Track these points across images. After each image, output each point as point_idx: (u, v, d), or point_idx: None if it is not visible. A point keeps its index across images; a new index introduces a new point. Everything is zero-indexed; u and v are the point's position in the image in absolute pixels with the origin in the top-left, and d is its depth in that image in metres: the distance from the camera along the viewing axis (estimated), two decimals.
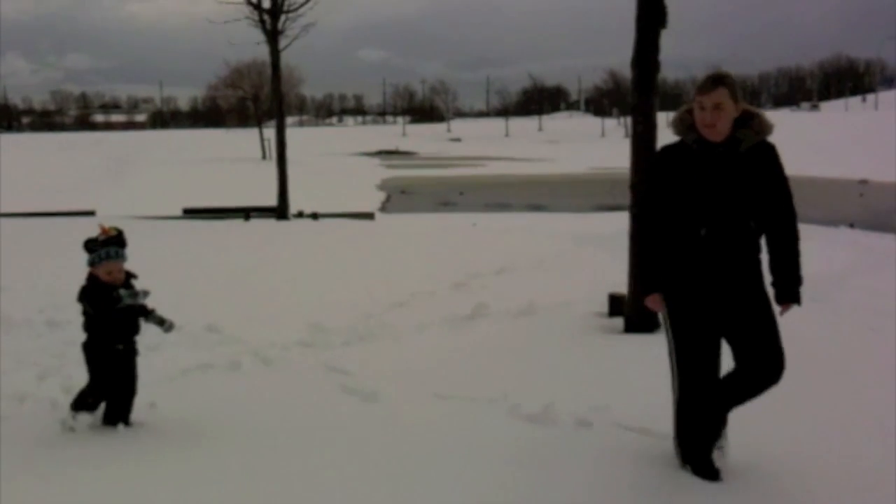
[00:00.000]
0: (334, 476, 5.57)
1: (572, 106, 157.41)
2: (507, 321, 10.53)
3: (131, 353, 6.71)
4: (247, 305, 11.36)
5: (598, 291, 11.70)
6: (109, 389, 6.59)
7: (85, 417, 6.53)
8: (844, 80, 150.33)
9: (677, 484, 5.53)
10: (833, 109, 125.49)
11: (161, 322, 6.79)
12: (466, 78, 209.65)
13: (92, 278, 6.54)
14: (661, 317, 5.56)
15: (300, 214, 28.08)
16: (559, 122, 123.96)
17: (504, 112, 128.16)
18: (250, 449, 6.09)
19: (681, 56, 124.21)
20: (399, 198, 45.88)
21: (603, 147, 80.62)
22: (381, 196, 46.01)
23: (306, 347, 9.26)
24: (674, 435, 5.72)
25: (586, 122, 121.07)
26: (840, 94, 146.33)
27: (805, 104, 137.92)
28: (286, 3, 27.51)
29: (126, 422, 6.62)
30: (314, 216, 27.70)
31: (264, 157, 66.52)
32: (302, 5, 27.80)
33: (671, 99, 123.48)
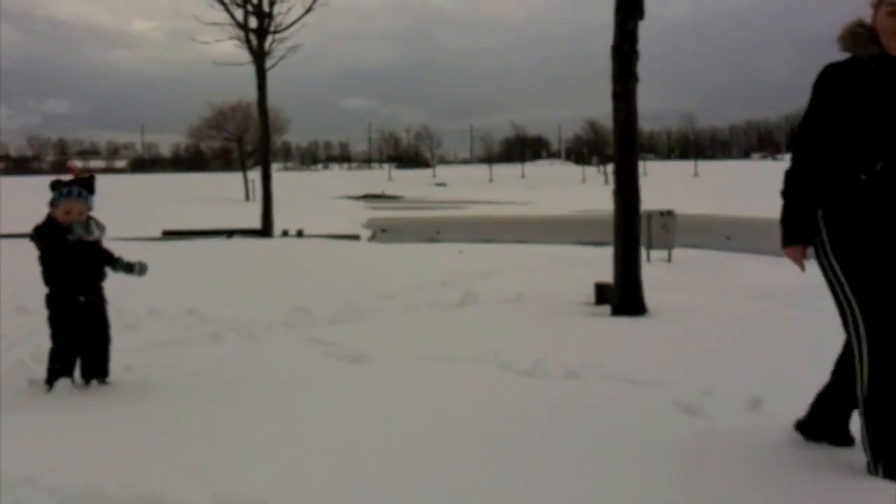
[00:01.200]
0: (322, 427, 5.30)
1: (553, 154, 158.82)
2: (496, 307, 10.47)
3: (98, 301, 6.40)
4: (228, 294, 11.23)
5: (584, 288, 11.71)
6: (74, 345, 6.25)
7: (63, 381, 6.14)
8: None
9: (669, 430, 5.46)
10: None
11: (129, 267, 6.51)
12: (450, 127, 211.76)
13: (49, 219, 6.24)
14: (834, 284, 4.46)
15: (285, 234, 27.81)
16: (541, 169, 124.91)
17: (487, 159, 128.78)
18: (234, 403, 5.83)
19: (654, 109, 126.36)
20: (385, 234, 45.86)
21: (584, 192, 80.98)
22: (367, 234, 45.93)
23: (290, 326, 9.13)
24: (862, 433, 4.44)
25: (567, 170, 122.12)
26: None
27: (768, 155, 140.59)
28: (273, 23, 27.62)
29: (103, 375, 6.35)
30: (299, 233, 27.50)
31: (247, 198, 66.08)
32: (288, 27, 27.98)
33: (647, 148, 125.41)
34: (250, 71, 27.83)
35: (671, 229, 19.74)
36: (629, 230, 10.34)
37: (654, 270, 14.75)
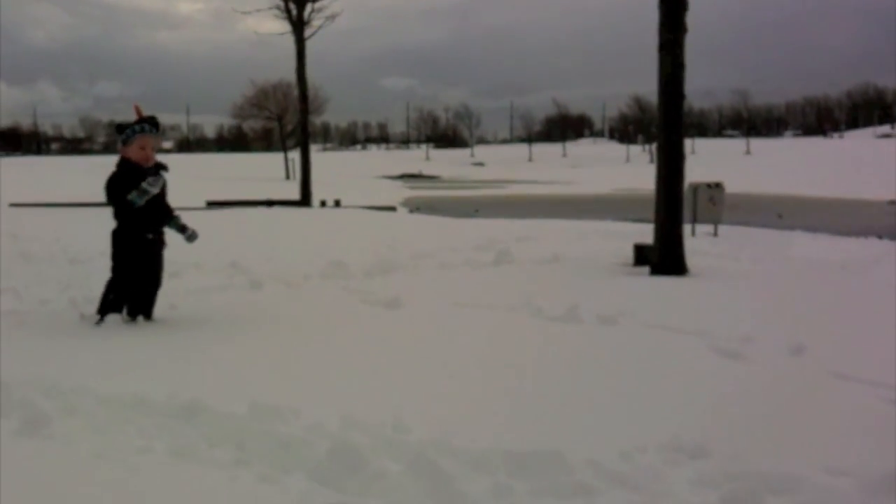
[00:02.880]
0: (355, 354, 5.48)
1: (596, 133, 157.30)
2: (531, 265, 10.47)
3: (159, 243, 6.59)
4: (268, 251, 11.37)
5: (623, 252, 11.66)
6: (133, 279, 6.41)
7: (113, 317, 6.34)
8: (872, 108, 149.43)
9: (706, 371, 5.47)
10: (861, 137, 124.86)
11: (182, 228, 6.72)
12: (490, 105, 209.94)
13: (122, 163, 6.35)
14: None
15: (323, 204, 28.05)
16: (583, 148, 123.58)
17: (527, 139, 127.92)
18: (272, 333, 6.10)
19: (706, 85, 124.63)
20: (421, 211, 45.88)
21: (627, 171, 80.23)
22: (404, 210, 46.08)
23: (327, 277, 9.23)
24: None
25: (611, 148, 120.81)
26: (868, 122, 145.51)
27: (834, 134, 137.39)
28: None
29: (148, 315, 6.52)
30: (337, 203, 27.68)
31: (287, 177, 66.34)
32: None
33: (696, 128, 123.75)
34: (291, 49, 27.94)
35: (718, 202, 19.28)
36: (671, 186, 10.22)
37: (698, 243, 14.58)
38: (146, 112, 6.52)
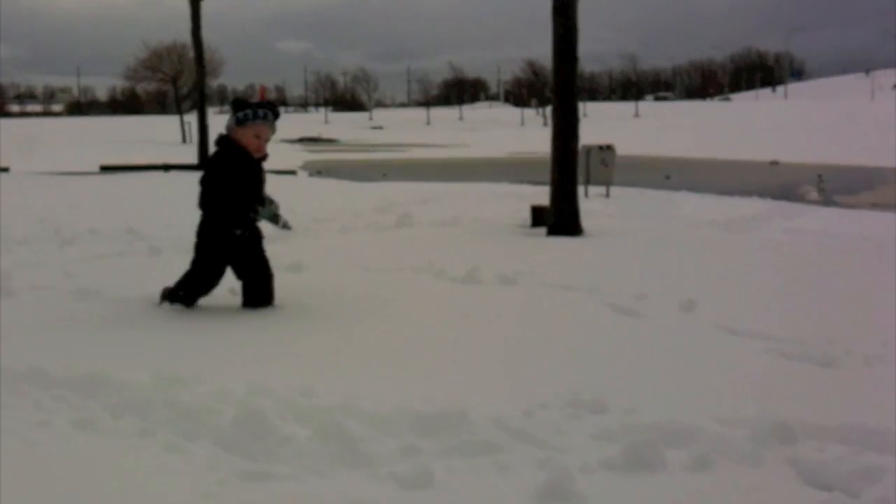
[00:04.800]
0: (263, 328, 5.35)
1: (492, 97, 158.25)
2: (432, 228, 10.55)
3: (253, 239, 5.83)
4: (166, 217, 11.10)
5: (521, 214, 11.83)
6: (210, 279, 5.75)
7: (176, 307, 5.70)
8: (755, 72, 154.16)
9: (604, 327, 5.62)
10: (745, 100, 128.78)
11: (275, 218, 6.05)
12: (387, 69, 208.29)
13: (228, 144, 5.56)
14: None
15: None
16: (479, 112, 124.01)
17: (425, 102, 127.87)
18: (176, 305, 5.90)
19: (596, 50, 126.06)
20: (322, 174, 45.52)
21: (523, 134, 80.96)
22: (304, 174, 45.60)
23: None
24: None
25: (506, 112, 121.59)
26: (751, 85, 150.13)
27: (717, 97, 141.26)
28: None
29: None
30: None
31: (184, 140, 64.76)
32: None
33: (587, 91, 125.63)
34: (183, 9, 27.26)
35: (610, 164, 19.69)
36: (566, 148, 10.40)
37: (591, 204, 14.88)
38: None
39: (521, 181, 24.00)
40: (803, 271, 8.19)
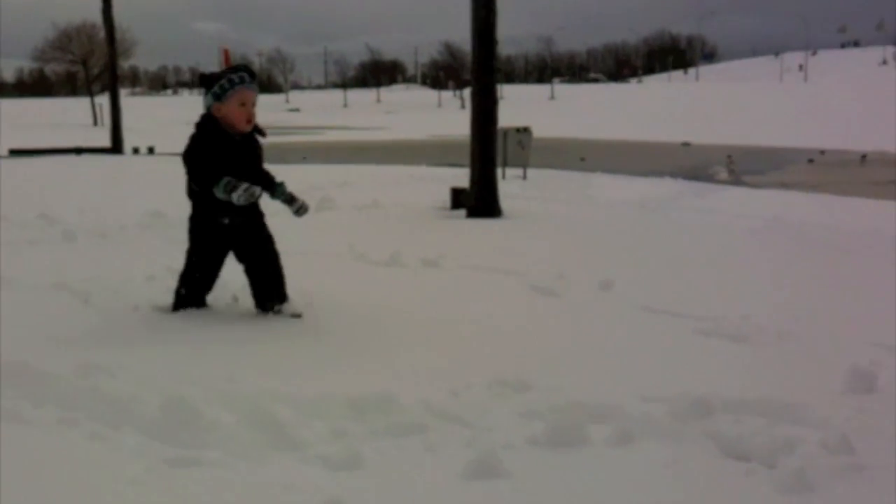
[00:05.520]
0: (182, 315, 5.25)
1: (409, 79, 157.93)
2: (353, 212, 10.51)
3: (251, 226, 5.24)
4: (80, 201, 10.88)
5: (440, 197, 11.88)
6: (204, 272, 5.18)
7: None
8: (668, 55, 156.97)
9: (523, 307, 5.70)
10: (658, 82, 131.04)
11: (291, 200, 5.49)
12: (303, 51, 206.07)
13: (208, 123, 4.87)
14: None
15: (136, 151, 27.00)
16: (397, 94, 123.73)
17: (342, 85, 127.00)
18: (97, 295, 5.72)
19: (512, 32, 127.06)
20: None
21: (440, 117, 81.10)
22: None
23: (146, 228, 8.96)
24: None
25: (423, 94, 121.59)
26: (664, 68, 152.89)
27: (632, 80, 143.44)
28: None
29: (282, 300, 5.27)
30: (151, 150, 26.72)
31: (96, 123, 63.16)
32: None
33: (504, 74, 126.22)
34: None
35: (526, 146, 19.89)
36: (485, 130, 10.49)
37: (509, 186, 15.00)
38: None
39: (440, 164, 24.06)
40: (716, 250, 8.43)
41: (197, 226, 5.11)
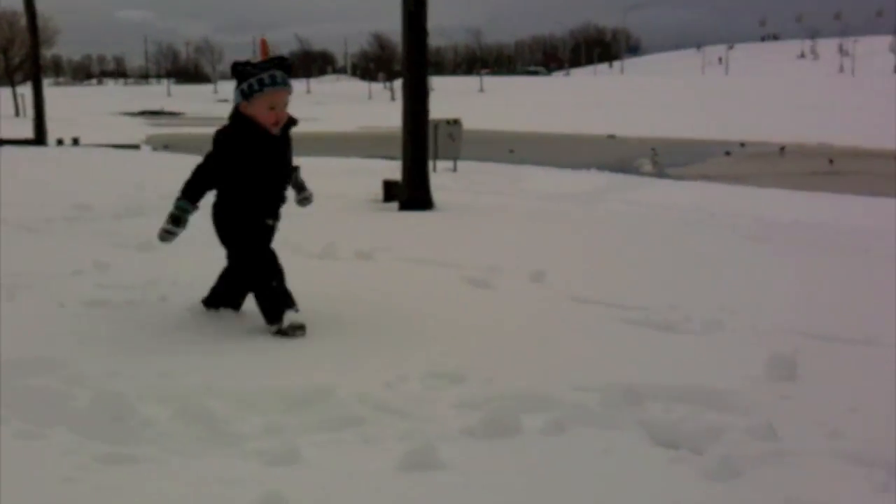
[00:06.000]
0: (115, 312, 5.27)
1: (339, 70, 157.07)
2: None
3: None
4: (3, 194, 10.60)
5: (372, 190, 11.89)
6: (270, 272, 4.89)
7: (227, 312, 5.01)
8: (594, 48, 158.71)
9: (458, 298, 5.75)
10: (584, 75, 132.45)
11: (301, 188, 5.38)
12: (232, 40, 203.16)
13: (240, 118, 4.61)
14: None
15: (60, 143, 26.47)
16: (327, 85, 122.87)
17: None
18: (22, 289, 5.60)
19: (440, 24, 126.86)
20: (168, 149, 44.16)
21: (370, 109, 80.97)
22: (148, 148, 44.18)
23: (72, 221, 8.80)
24: None
25: (353, 86, 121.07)
26: (590, 61, 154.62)
27: (543, 70, 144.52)
28: None
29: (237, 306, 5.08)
30: (75, 142, 26.20)
31: (18, 114, 61.60)
32: None
33: (434, 66, 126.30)
34: None
35: (457, 138, 19.95)
36: (417, 123, 10.51)
37: (440, 179, 15.07)
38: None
39: (371, 156, 24.03)
40: (643, 241, 8.60)
41: (242, 228, 4.86)
